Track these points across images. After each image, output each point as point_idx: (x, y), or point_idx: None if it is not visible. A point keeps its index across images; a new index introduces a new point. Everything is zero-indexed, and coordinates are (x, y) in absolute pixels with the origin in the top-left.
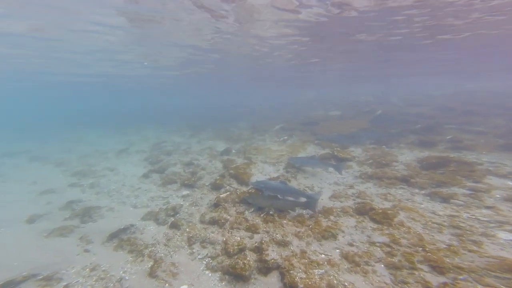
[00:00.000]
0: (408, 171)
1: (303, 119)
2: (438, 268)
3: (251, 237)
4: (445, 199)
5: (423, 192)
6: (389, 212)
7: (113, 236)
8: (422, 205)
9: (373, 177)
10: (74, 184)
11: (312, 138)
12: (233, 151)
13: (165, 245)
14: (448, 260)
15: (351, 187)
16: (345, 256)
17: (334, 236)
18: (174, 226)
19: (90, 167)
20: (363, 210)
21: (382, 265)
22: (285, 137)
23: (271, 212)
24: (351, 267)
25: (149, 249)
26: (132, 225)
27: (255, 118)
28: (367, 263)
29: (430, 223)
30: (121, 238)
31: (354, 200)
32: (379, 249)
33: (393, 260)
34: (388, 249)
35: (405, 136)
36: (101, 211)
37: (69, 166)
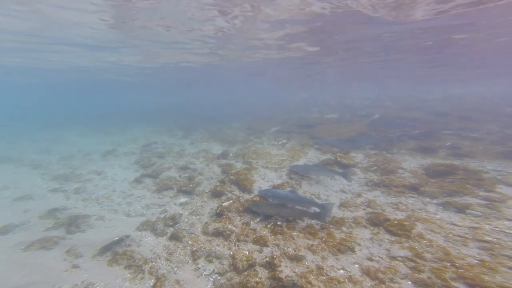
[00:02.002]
0: (415, 179)
1: (299, 121)
2: None
3: (260, 251)
4: (460, 209)
5: (435, 201)
6: (405, 223)
7: (106, 249)
8: (438, 216)
9: (380, 185)
10: (56, 189)
11: (311, 141)
12: (231, 154)
13: (167, 259)
14: (487, 278)
15: (359, 195)
16: (367, 272)
17: (351, 250)
18: (175, 237)
19: (74, 170)
20: (377, 221)
21: (410, 282)
22: (284, 141)
23: (279, 223)
24: (375, 284)
25: (149, 265)
26: (127, 236)
27: (249, 119)
28: (392, 280)
29: (451, 235)
30: (115, 251)
31: (364, 209)
32: (402, 264)
33: (422, 276)
34: (413, 264)
35: (404, 141)
36: (90, 220)
37: (48, 169)
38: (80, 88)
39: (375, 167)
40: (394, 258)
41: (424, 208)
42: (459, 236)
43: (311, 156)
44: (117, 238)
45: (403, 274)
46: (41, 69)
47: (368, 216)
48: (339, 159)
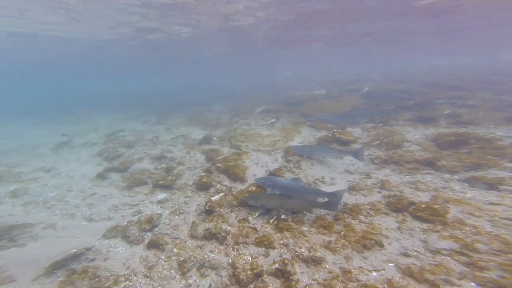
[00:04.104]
0: (425, 152)
1: (287, 99)
2: None
3: (266, 255)
4: (492, 186)
5: (456, 177)
6: (436, 206)
7: (56, 266)
8: (468, 195)
9: (389, 162)
10: None
11: (302, 119)
12: (215, 138)
13: (146, 276)
14: None
15: (368, 175)
16: (408, 273)
17: (378, 244)
18: (155, 245)
19: (10, 169)
20: (400, 206)
21: (473, 284)
22: (273, 120)
23: (283, 216)
24: None
25: (122, 285)
26: (88, 248)
27: (231, 101)
28: (448, 282)
29: (497, 218)
30: (72, 268)
31: (379, 192)
32: (450, 259)
33: (489, 276)
34: (466, 258)
35: (399, 113)
36: (34, 230)
37: None
38: (25, 73)
39: (377, 141)
40: (436, 252)
41: (448, 186)
42: (507, 219)
43: (306, 135)
44: (74, 251)
45: (459, 273)
46: None
47: (386, 200)
48: (337, 136)
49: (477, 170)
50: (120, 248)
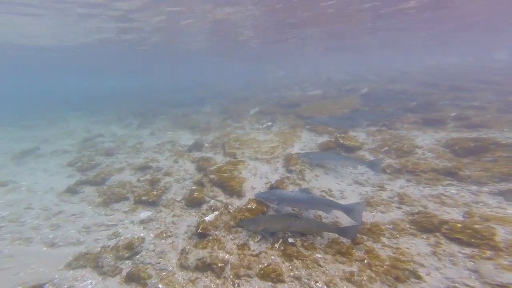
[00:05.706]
0: (441, 159)
1: (281, 100)
2: None
3: None
4: None
5: (486, 189)
6: (477, 226)
7: None
8: (509, 211)
9: (402, 171)
10: None
11: (300, 122)
12: (206, 144)
13: None
14: None
15: (382, 187)
16: None
17: (414, 276)
18: (135, 278)
19: None
20: (429, 225)
21: None
22: (269, 123)
23: (290, 240)
24: None
25: None
26: (41, 284)
27: (222, 101)
28: None
29: None
30: None
31: (399, 207)
32: None
33: None
34: None
35: (403, 115)
36: None
37: None
38: None
39: (386, 148)
40: (501, 286)
41: (481, 201)
42: None
43: (306, 140)
44: None
45: None
46: None
47: (410, 218)
48: (341, 141)
49: (510, 181)
50: (89, 281)
